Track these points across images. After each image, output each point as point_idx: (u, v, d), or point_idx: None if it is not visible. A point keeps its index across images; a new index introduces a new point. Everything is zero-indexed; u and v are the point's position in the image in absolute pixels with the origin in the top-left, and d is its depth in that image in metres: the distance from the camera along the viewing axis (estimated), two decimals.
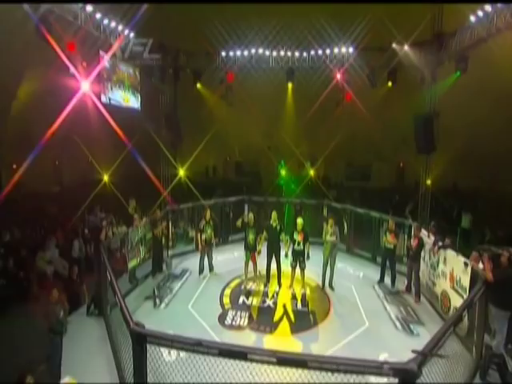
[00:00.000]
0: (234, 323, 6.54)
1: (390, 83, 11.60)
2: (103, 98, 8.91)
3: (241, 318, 6.73)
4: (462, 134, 13.04)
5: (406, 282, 8.11)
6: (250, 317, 6.78)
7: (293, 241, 7.77)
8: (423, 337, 6.19)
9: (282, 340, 6.12)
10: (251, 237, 7.95)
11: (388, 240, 8.19)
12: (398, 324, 6.64)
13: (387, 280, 8.33)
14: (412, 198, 11.58)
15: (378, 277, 8.51)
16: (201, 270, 8.54)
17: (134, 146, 11.23)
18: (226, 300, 7.47)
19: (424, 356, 3.51)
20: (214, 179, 18.99)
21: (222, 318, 6.69)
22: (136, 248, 7.83)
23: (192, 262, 9.29)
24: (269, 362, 3.34)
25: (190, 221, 11.09)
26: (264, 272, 8.11)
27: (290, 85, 12.03)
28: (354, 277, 8.82)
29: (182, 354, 4.53)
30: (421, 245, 7.67)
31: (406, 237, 8.77)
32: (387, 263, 8.30)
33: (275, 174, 16.84)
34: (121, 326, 4.61)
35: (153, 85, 10.48)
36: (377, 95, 12.68)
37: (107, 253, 6.49)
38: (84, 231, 9.30)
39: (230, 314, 6.86)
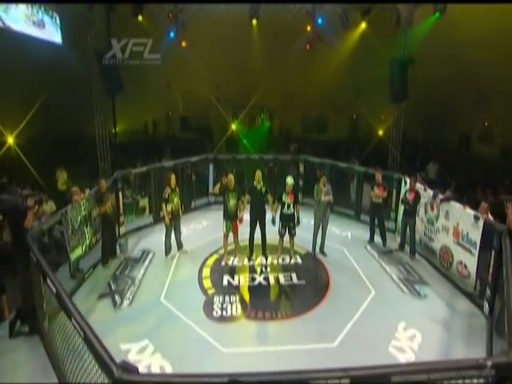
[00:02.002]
0: (224, 313, 5.23)
1: (363, 24, 10.29)
2: None
3: (231, 304, 5.44)
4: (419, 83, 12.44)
5: (398, 240, 7.56)
6: (242, 301, 5.54)
7: (281, 203, 6.56)
8: (431, 298, 5.83)
9: (291, 327, 5.02)
10: (232, 202, 6.50)
11: (376, 194, 7.46)
12: (403, 287, 6.07)
13: (376, 239, 7.69)
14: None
15: (366, 236, 7.84)
16: (168, 250, 6.89)
17: (54, 95, 8.42)
18: (207, 283, 6.08)
19: None
20: (155, 137, 16.56)
21: (207, 309, 5.32)
22: (79, 231, 5.83)
23: (152, 240, 7.60)
24: None
25: (140, 188, 9.20)
26: (244, 243, 6.83)
27: (254, 21, 10.01)
28: (342, 238, 8.02)
29: None
30: (418, 198, 7.02)
31: (394, 191, 8.08)
32: (375, 221, 7.61)
33: (226, 128, 15.11)
34: (71, 343, 3.04)
35: (78, 13, 7.68)
36: (348, 38, 11.28)
37: (38, 245, 4.53)
38: None
39: (217, 300, 5.52)
